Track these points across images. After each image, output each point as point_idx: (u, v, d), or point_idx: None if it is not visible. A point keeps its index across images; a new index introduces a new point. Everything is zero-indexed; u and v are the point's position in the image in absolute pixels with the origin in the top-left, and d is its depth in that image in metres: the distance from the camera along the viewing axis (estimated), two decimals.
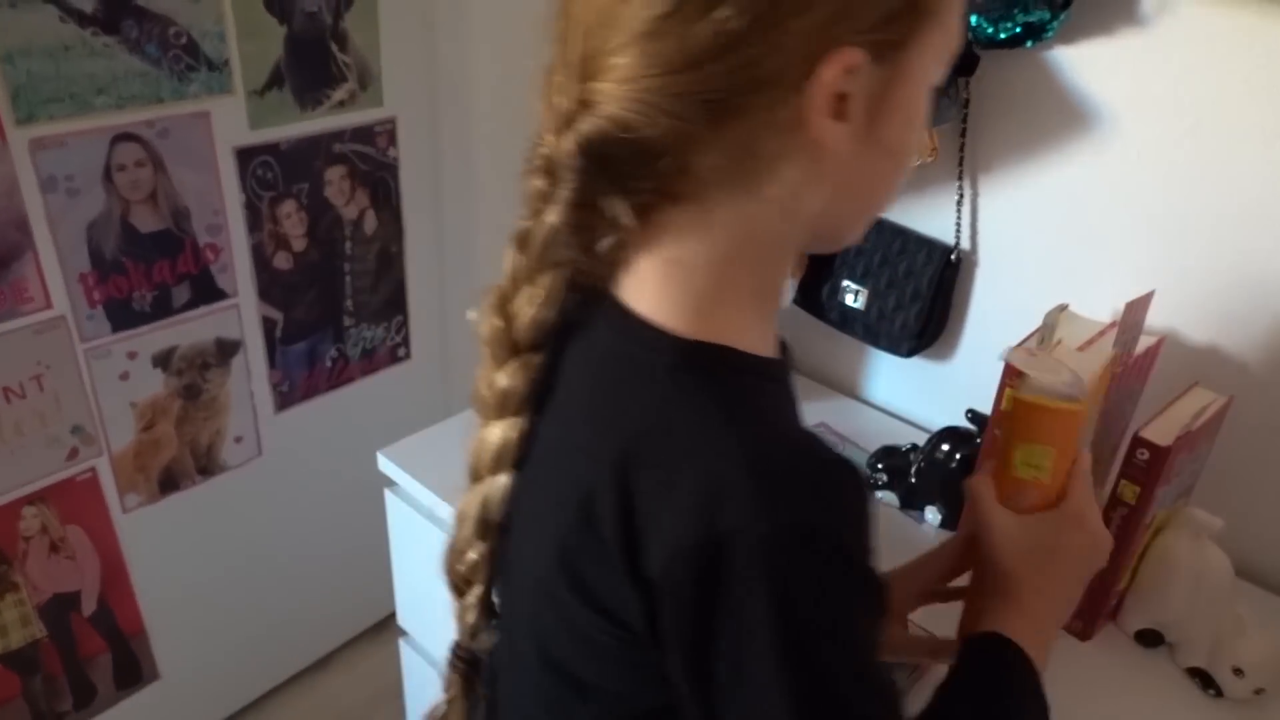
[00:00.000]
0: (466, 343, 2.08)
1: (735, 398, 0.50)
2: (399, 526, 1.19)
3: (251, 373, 1.52)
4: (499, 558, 0.62)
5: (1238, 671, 0.88)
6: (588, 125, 0.49)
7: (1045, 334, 0.94)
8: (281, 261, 1.50)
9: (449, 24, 1.56)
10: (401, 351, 1.77)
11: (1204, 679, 0.90)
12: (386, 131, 1.56)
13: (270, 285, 1.49)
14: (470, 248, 1.77)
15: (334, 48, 1.42)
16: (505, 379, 0.57)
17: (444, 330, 1.83)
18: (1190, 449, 0.90)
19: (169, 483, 1.48)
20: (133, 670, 1.54)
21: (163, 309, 1.37)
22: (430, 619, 1.24)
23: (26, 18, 1.10)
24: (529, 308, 0.55)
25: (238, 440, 1.54)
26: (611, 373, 0.54)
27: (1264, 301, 0.98)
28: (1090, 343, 0.94)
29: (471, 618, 0.66)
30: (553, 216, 0.52)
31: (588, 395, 0.55)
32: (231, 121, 1.34)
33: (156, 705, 1.58)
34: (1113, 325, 0.90)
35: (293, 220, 1.48)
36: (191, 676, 1.62)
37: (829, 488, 0.48)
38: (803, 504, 0.46)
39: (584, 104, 0.49)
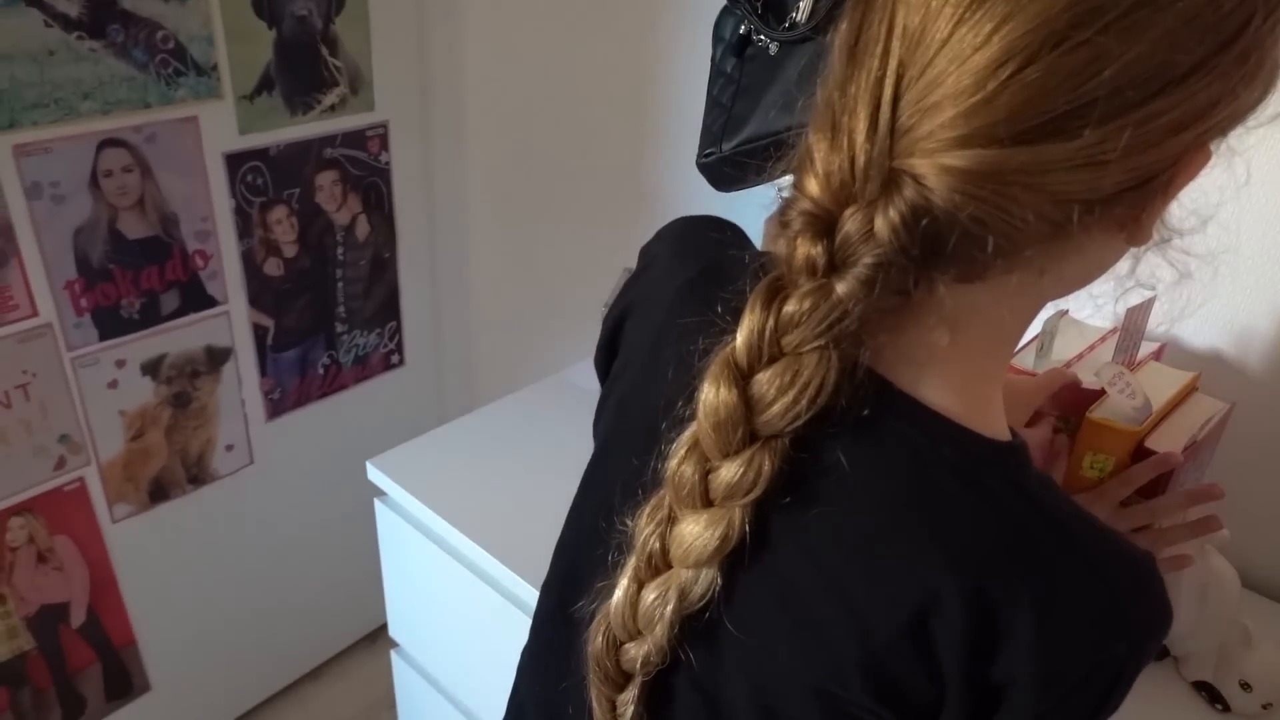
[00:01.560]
0: (460, 349, 2.08)
1: (1062, 502, 0.48)
2: (389, 537, 1.17)
3: (242, 380, 1.50)
4: (690, 649, 0.55)
5: (1245, 686, 0.86)
6: (915, 200, 0.41)
7: (1045, 341, 0.93)
8: (272, 268, 1.48)
9: (441, 27, 1.55)
10: (395, 358, 1.75)
11: (1211, 693, 0.88)
12: (378, 136, 1.54)
13: (261, 292, 1.48)
14: (463, 253, 1.75)
15: (324, 51, 1.41)
16: (737, 470, 0.47)
17: (438, 336, 1.82)
18: (1194, 459, 0.88)
19: (159, 492, 1.46)
20: (123, 682, 1.52)
21: (151, 316, 1.35)
22: (422, 631, 1.22)
23: (9, 22, 1.08)
24: (787, 395, 0.46)
25: (229, 449, 1.52)
26: (935, 481, 0.48)
27: (1264, 306, 0.96)
28: (1091, 348, 0.92)
29: (628, 712, 0.58)
30: (843, 291, 0.43)
31: (906, 504, 0.48)
32: (220, 127, 1.32)
33: (148, 717, 1.57)
34: (1114, 331, 0.89)
35: (283, 226, 1.47)
36: (183, 688, 1.61)
37: (1164, 592, 0.49)
38: (1163, 617, 0.48)
39: (912, 176, 0.41)
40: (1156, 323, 1.04)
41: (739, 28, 1.07)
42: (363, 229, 1.59)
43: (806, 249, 0.44)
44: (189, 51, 1.25)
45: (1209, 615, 0.89)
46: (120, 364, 1.34)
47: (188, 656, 1.59)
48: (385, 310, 1.69)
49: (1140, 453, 0.84)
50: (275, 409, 1.57)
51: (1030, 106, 0.39)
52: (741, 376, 0.47)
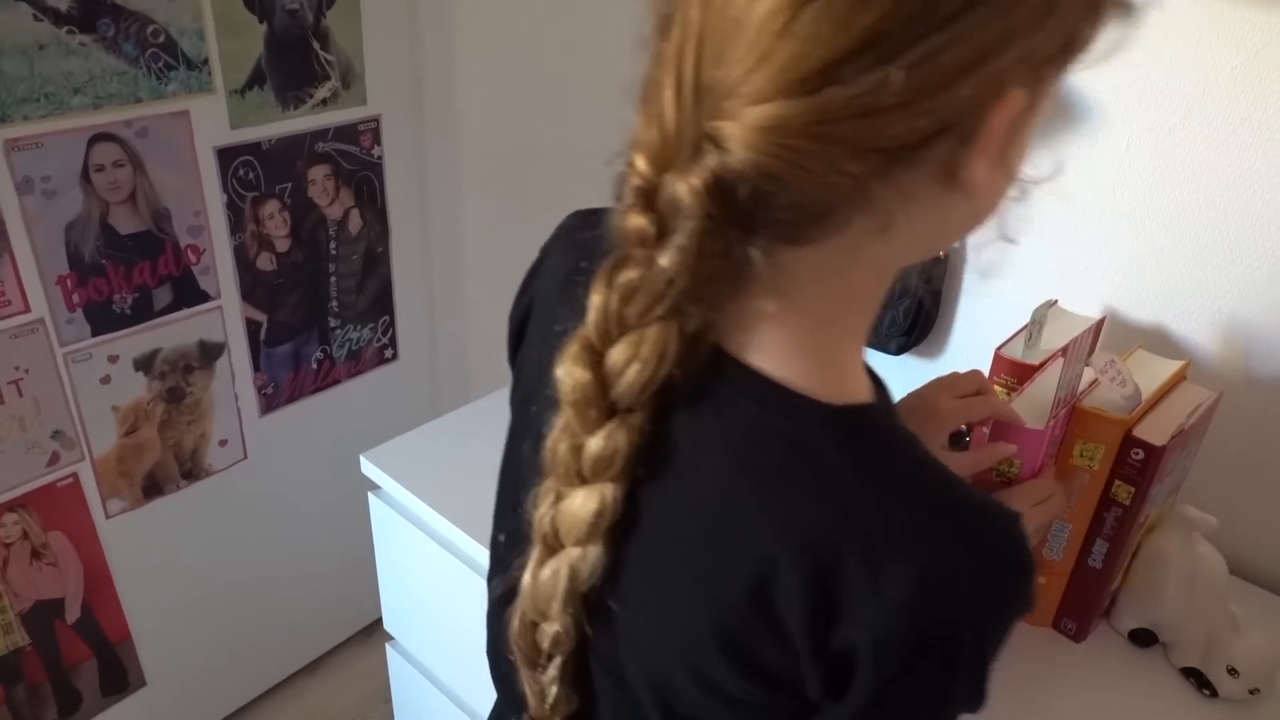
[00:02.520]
0: (454, 343, 2.07)
1: (900, 464, 0.48)
2: (384, 531, 1.17)
3: (236, 375, 1.50)
4: (588, 630, 0.57)
5: (1232, 671, 0.86)
6: (718, 164, 0.41)
7: (1033, 330, 0.93)
8: (265, 263, 1.48)
9: (433, 20, 1.54)
10: (388, 352, 1.75)
11: (1199, 679, 0.89)
12: (370, 130, 1.54)
13: (254, 287, 1.47)
14: (456, 247, 1.75)
15: (316, 45, 1.41)
16: (601, 443, 0.49)
17: (431, 330, 1.82)
18: (1182, 447, 0.89)
19: (153, 487, 1.46)
20: (119, 677, 1.52)
21: (144, 311, 1.35)
22: (417, 625, 1.23)
23: None
24: (634, 365, 0.47)
25: (222, 444, 1.53)
26: (768, 449, 0.48)
27: (1253, 295, 0.97)
28: (1042, 366, 0.90)
29: (553, 691, 0.60)
30: (666, 262, 0.44)
31: (742, 473, 0.49)
32: (212, 121, 1.32)
33: (144, 712, 1.57)
34: (1060, 354, 0.88)
35: (276, 221, 1.47)
36: (179, 683, 1.61)
37: (1024, 556, 0.48)
38: (1011, 581, 0.48)
39: (711, 140, 0.42)
40: (1143, 310, 1.04)
41: None
42: (355, 223, 1.59)
43: (636, 221, 0.45)
44: (180, 45, 1.25)
45: (1197, 602, 0.90)
46: (113, 359, 1.34)
47: (183, 651, 1.60)
48: (378, 305, 1.69)
49: (1129, 441, 0.85)
50: (269, 404, 1.57)
51: (806, 55, 0.39)
52: (595, 354, 0.48)
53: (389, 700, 1.38)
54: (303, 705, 1.80)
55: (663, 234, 0.44)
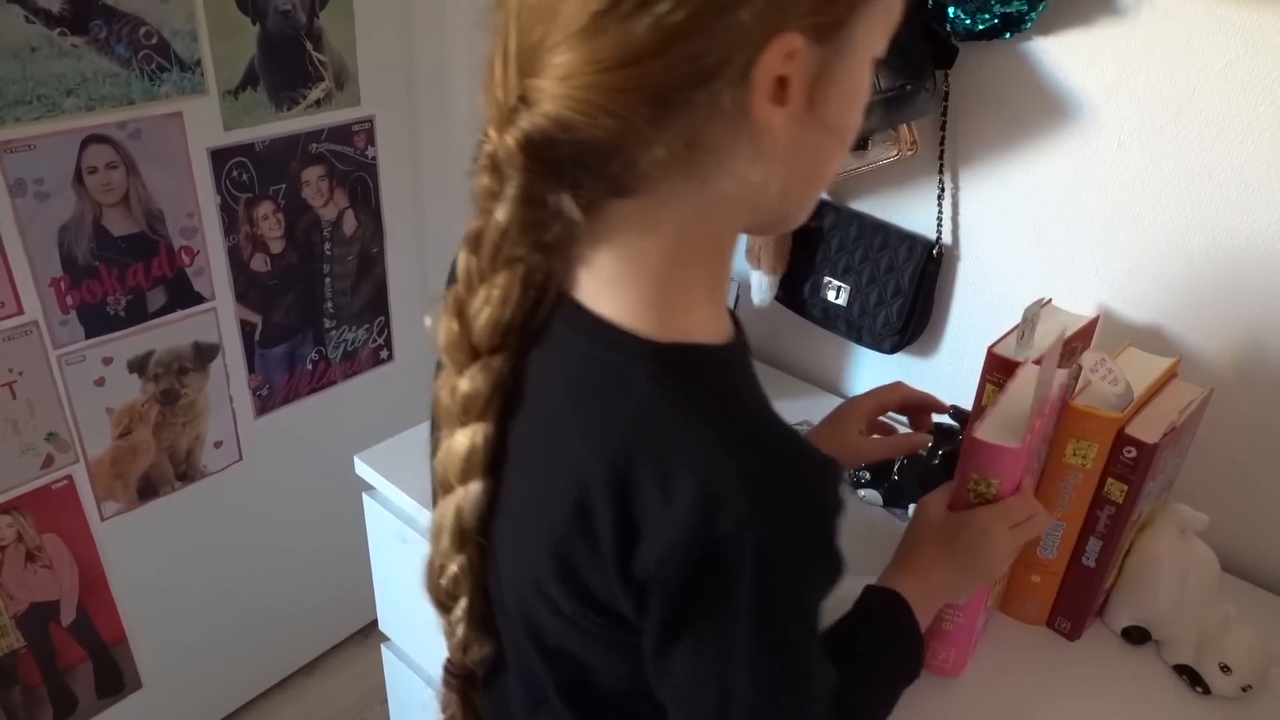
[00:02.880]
0: None
1: (713, 397, 0.51)
2: (378, 532, 1.17)
3: (230, 377, 1.50)
4: (484, 567, 0.62)
5: (1225, 668, 0.87)
6: (528, 122, 0.47)
7: (1026, 329, 0.93)
8: (259, 264, 1.48)
9: (426, 20, 1.54)
10: (384, 353, 1.75)
11: (1191, 676, 0.89)
12: (364, 130, 1.54)
13: (248, 288, 1.47)
14: (452, 247, 1.74)
15: (309, 46, 1.40)
16: (467, 384, 0.55)
17: (427, 331, 1.81)
18: (1174, 444, 0.89)
19: (148, 489, 1.46)
20: (114, 679, 1.52)
21: (138, 313, 1.35)
22: (412, 625, 1.23)
23: None
24: (486, 309, 0.53)
25: (217, 445, 1.52)
26: (592, 380, 0.53)
27: (1243, 291, 0.97)
28: (1014, 374, 0.90)
29: (461, 632, 0.64)
30: (501, 215, 0.50)
31: (571, 403, 0.54)
32: (205, 122, 1.32)
33: (140, 714, 1.57)
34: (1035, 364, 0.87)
35: (270, 222, 1.46)
36: (175, 684, 1.61)
37: (814, 490, 0.51)
38: (791, 509, 0.49)
39: (524, 100, 0.47)
40: (1135, 309, 1.04)
41: None
42: (350, 224, 1.59)
43: (481, 180, 0.50)
44: (172, 47, 1.25)
45: (1189, 599, 0.90)
46: (107, 361, 1.33)
47: (179, 653, 1.60)
48: (373, 305, 1.69)
49: (1122, 439, 0.85)
50: (264, 405, 1.57)
51: (583, 8, 0.44)
52: (461, 305, 0.54)
53: (385, 701, 1.38)
54: (299, 706, 1.80)
55: (500, 190, 0.50)
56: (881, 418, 0.95)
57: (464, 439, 0.56)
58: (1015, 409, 0.79)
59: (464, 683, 0.70)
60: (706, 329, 0.54)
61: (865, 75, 0.51)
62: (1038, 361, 0.83)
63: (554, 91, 0.46)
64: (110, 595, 1.46)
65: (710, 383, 0.52)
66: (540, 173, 0.48)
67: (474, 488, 0.58)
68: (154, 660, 1.56)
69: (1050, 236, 1.08)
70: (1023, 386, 0.82)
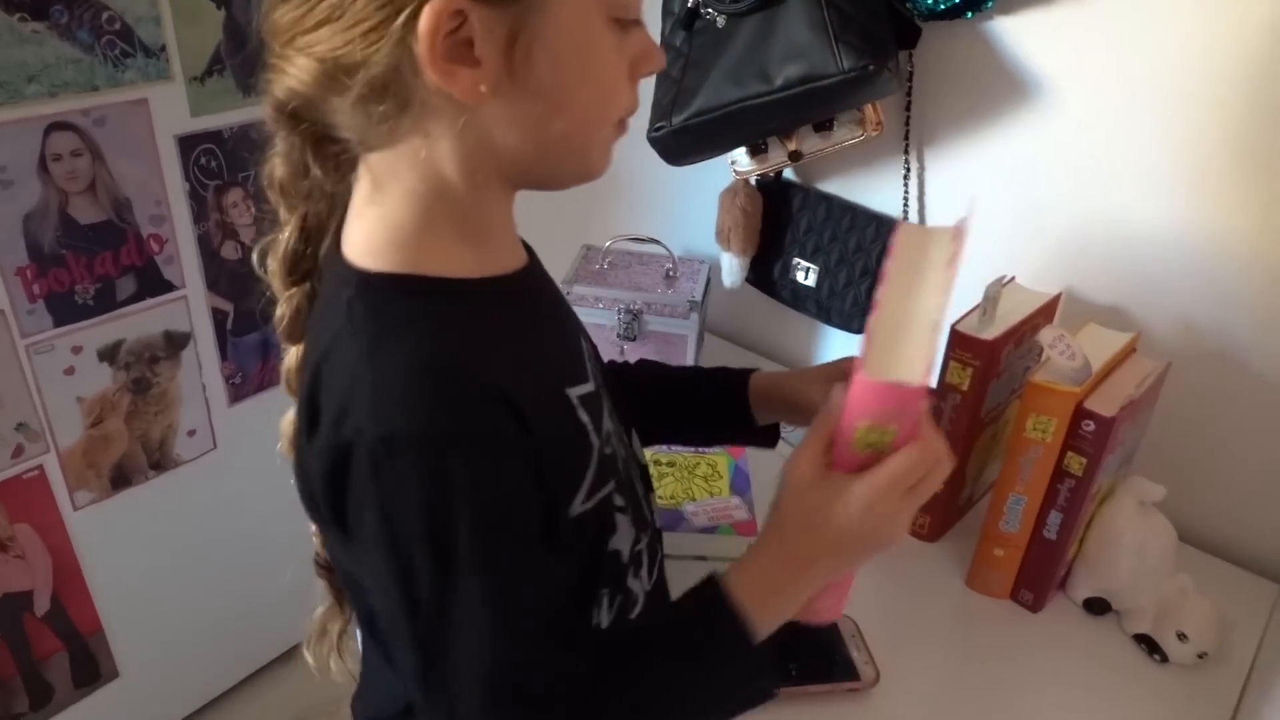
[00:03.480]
0: None
1: (395, 319, 0.54)
2: None
3: (203, 365, 1.49)
4: None
5: (1181, 636, 0.89)
6: (278, 89, 0.54)
7: (988, 306, 0.95)
8: (230, 251, 1.47)
9: None
10: None
11: (1150, 645, 0.91)
12: None
13: (219, 276, 1.47)
14: None
15: None
16: (278, 311, 0.64)
17: None
18: (1133, 418, 0.90)
19: (121, 479, 1.45)
20: (91, 669, 1.51)
21: (107, 302, 1.34)
22: None
23: None
24: (277, 249, 0.62)
25: (190, 434, 1.52)
26: (325, 307, 0.60)
27: (1201, 269, 0.98)
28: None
29: (318, 552, 0.78)
30: (276, 169, 0.59)
31: (313, 327, 0.62)
32: (171, 109, 1.31)
33: (117, 703, 1.56)
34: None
35: (239, 209, 1.46)
36: (152, 674, 1.60)
37: (436, 403, 0.51)
38: (401, 416, 0.50)
39: (274, 69, 0.55)
40: (1097, 285, 1.06)
41: (687, 1, 1.08)
42: None
43: (275, 139, 0.59)
44: (136, 33, 1.23)
45: (1148, 570, 0.92)
46: (76, 350, 1.32)
47: (156, 642, 1.59)
48: None
49: (1080, 413, 0.87)
50: (237, 393, 1.57)
51: None
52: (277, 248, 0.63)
53: None
54: (277, 695, 1.80)
55: (274, 148, 0.59)
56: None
57: (289, 359, 0.65)
58: (907, 326, 0.58)
59: (329, 572, 0.78)
60: (447, 265, 0.57)
61: (587, 37, 0.53)
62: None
63: (279, 64, 0.53)
64: (85, 585, 1.45)
65: (404, 308, 0.55)
66: (291, 133, 0.57)
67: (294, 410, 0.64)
68: (131, 649, 1.55)
69: (1015, 215, 1.09)
70: (911, 292, 0.59)
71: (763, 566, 0.61)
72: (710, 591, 0.60)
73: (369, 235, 0.58)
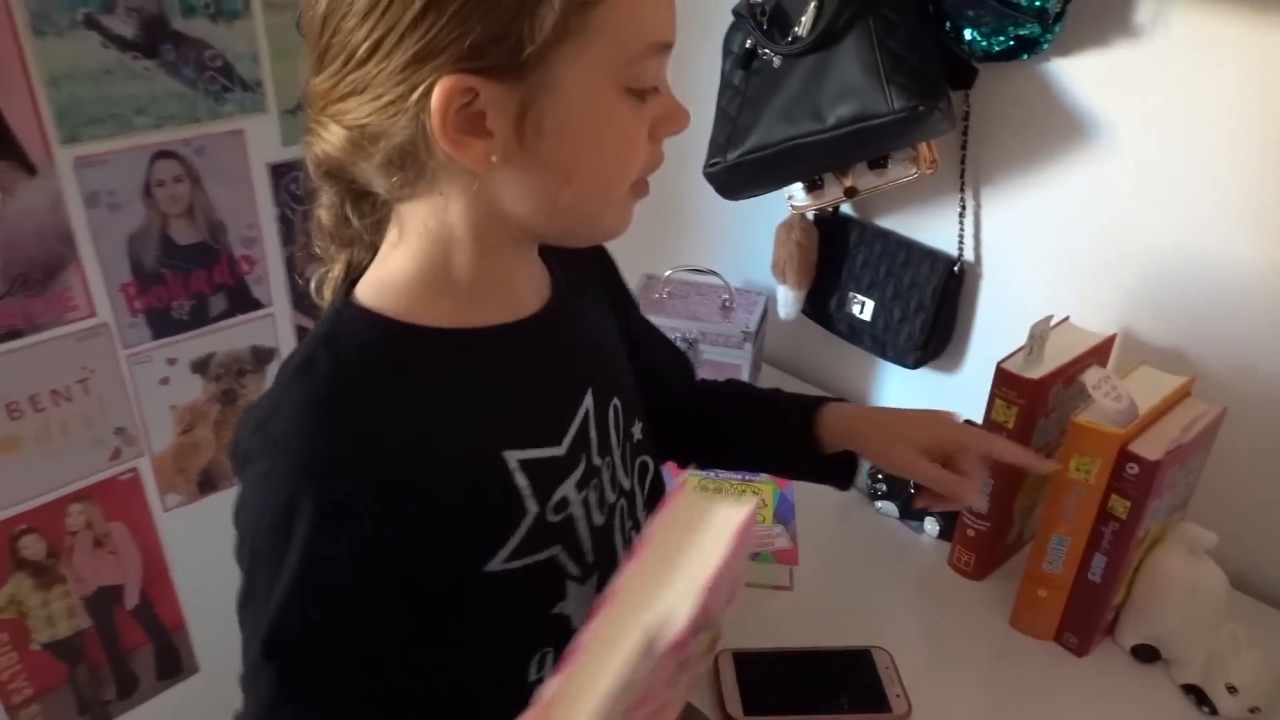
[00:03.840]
0: None
1: (335, 351, 0.59)
2: None
3: None
4: None
5: (1232, 689, 0.87)
6: (311, 149, 0.60)
7: (1034, 345, 0.95)
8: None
9: None
10: None
11: (1199, 696, 0.89)
12: None
13: (304, 295, 1.55)
14: None
15: None
16: None
17: None
18: (1182, 462, 0.89)
19: (207, 483, 1.54)
20: (174, 662, 1.61)
21: (200, 317, 1.43)
22: None
23: (71, 45, 1.17)
24: (332, 281, 0.66)
25: None
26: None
27: (1261, 312, 0.96)
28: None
29: None
30: (321, 217, 0.65)
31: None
32: (265, 139, 1.40)
33: (196, 697, 1.65)
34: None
35: None
36: (230, 670, 1.67)
37: (307, 439, 0.55)
38: (263, 466, 0.56)
39: (310, 131, 0.59)
40: (1152, 327, 1.04)
41: (745, 42, 1.11)
42: None
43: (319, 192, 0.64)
44: (235, 69, 1.33)
45: (1197, 618, 0.90)
46: (171, 362, 1.42)
47: (234, 641, 1.67)
48: None
49: (1125, 456, 0.86)
50: None
51: (314, 46, 0.56)
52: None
53: None
54: None
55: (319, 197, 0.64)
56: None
57: None
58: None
59: None
60: (427, 314, 0.61)
61: (598, 110, 0.55)
62: None
63: (316, 129, 0.58)
64: (170, 582, 1.54)
65: (351, 343, 0.59)
66: (331, 188, 0.62)
67: None
68: (210, 646, 1.64)
69: (1070, 255, 1.09)
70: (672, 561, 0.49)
71: None
72: None
73: (375, 275, 0.62)
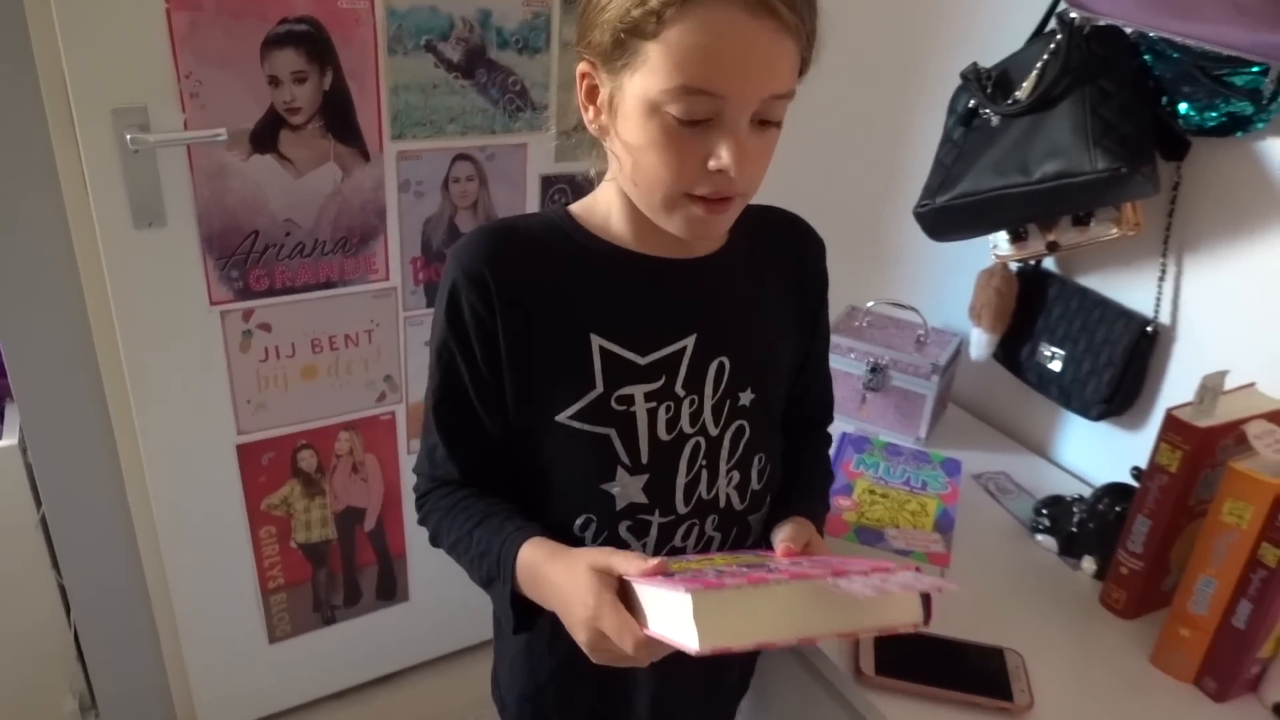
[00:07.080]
0: None
1: (542, 213, 0.86)
2: None
3: None
4: None
5: None
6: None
7: (1205, 396, 1.00)
8: None
9: None
10: None
11: None
12: None
13: None
14: None
15: None
16: None
17: None
18: None
19: None
20: (391, 586, 1.87)
21: None
22: None
23: (412, 63, 1.47)
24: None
25: None
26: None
27: None
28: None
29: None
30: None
31: None
32: (542, 154, 1.67)
33: (405, 621, 1.89)
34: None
35: None
36: (435, 603, 1.92)
37: (470, 246, 0.80)
38: (461, 243, 0.80)
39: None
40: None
41: (969, 102, 1.24)
42: None
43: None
44: (530, 94, 1.60)
45: None
46: None
47: (443, 577, 1.91)
48: None
49: (1279, 505, 0.89)
50: None
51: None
52: None
53: None
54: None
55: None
56: None
57: None
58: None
59: None
60: (593, 225, 0.83)
61: (647, 121, 0.70)
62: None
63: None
64: (401, 515, 1.81)
65: (540, 218, 0.85)
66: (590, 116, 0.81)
67: None
68: (423, 578, 1.89)
69: (1264, 327, 1.12)
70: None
71: (539, 568, 0.76)
72: (521, 537, 0.78)
73: (588, 196, 0.87)
